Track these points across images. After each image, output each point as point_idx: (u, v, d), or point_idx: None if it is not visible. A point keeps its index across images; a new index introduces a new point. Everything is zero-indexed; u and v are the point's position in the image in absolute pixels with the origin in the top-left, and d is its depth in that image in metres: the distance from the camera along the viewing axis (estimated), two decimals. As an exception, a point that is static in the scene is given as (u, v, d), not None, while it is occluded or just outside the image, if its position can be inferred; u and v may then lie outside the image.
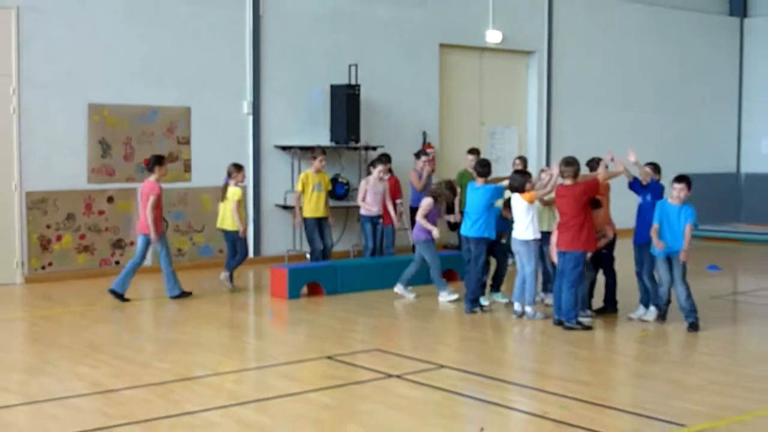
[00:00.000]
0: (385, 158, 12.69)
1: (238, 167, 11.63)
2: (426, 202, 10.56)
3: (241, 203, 11.43)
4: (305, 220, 12.14)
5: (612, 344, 8.48)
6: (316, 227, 12.21)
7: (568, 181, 8.96)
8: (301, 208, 11.99)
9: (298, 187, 12.07)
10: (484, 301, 10.16)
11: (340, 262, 11.71)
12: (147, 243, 10.66)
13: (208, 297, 10.88)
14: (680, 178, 8.91)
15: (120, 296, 10.45)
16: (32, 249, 11.80)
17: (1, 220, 11.59)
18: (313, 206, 12.04)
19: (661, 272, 9.06)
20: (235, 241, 11.42)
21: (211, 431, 5.78)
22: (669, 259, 8.98)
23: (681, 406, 6.38)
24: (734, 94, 20.61)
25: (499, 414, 6.33)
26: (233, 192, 11.28)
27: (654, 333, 8.94)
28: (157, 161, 10.87)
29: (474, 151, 12.97)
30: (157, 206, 10.65)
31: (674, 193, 8.86)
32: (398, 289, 10.78)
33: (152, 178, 10.78)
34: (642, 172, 9.33)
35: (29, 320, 9.62)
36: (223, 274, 11.30)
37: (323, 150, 12.65)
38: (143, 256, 10.79)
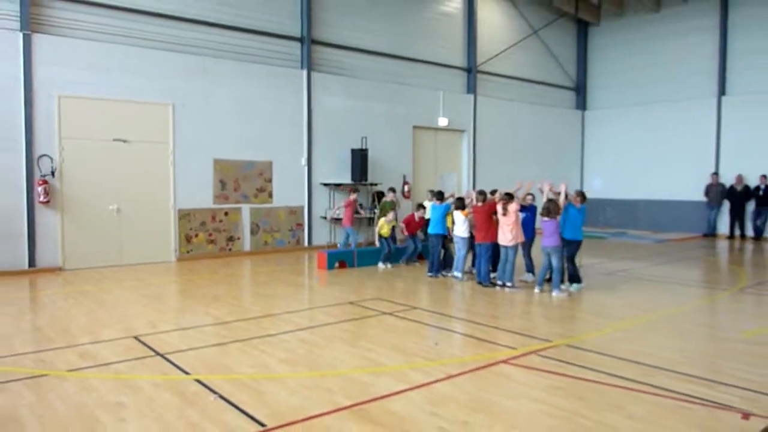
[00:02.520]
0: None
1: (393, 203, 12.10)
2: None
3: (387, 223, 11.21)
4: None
5: (513, 295, 8.48)
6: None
7: (479, 204, 9.14)
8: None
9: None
10: (447, 273, 10.09)
11: (357, 249, 11.62)
12: (349, 231, 11.87)
13: (281, 268, 10.83)
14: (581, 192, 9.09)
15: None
16: (181, 241, 11.84)
17: (163, 224, 11.64)
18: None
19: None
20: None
21: (283, 345, 5.85)
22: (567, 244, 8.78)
23: (549, 330, 6.48)
24: (578, 155, 20.62)
25: (447, 335, 6.47)
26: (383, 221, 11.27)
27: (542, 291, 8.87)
28: (355, 190, 12.33)
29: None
30: (350, 210, 11.84)
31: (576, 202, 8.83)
32: (557, 293, 8.46)
33: (351, 197, 11.99)
34: (522, 197, 9.24)
35: (179, 282, 9.68)
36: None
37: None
38: (350, 238, 11.92)
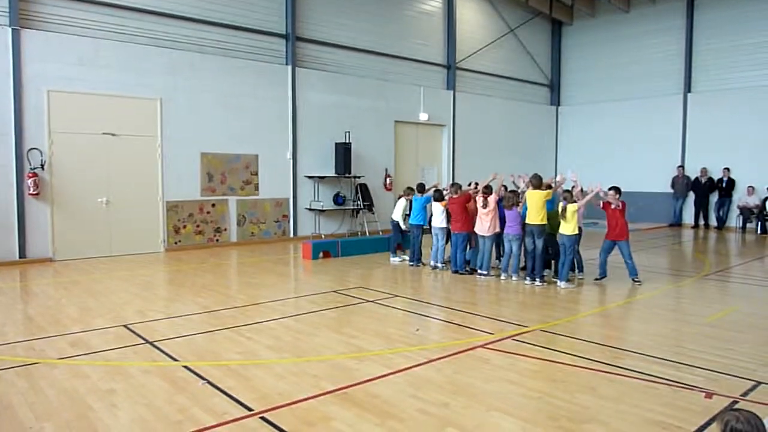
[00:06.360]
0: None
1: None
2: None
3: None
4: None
5: (487, 282, 8.52)
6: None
7: (454, 195, 9.17)
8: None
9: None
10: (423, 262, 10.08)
11: (340, 239, 11.61)
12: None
13: (268, 258, 10.75)
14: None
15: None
16: (169, 232, 11.71)
17: (152, 216, 11.50)
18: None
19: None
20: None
21: (269, 333, 5.82)
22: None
23: (525, 316, 6.52)
24: (552, 148, 20.74)
25: (427, 321, 6.46)
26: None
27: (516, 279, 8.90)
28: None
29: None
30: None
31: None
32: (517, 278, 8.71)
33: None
34: (498, 189, 9.20)
35: (167, 272, 9.58)
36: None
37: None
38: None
